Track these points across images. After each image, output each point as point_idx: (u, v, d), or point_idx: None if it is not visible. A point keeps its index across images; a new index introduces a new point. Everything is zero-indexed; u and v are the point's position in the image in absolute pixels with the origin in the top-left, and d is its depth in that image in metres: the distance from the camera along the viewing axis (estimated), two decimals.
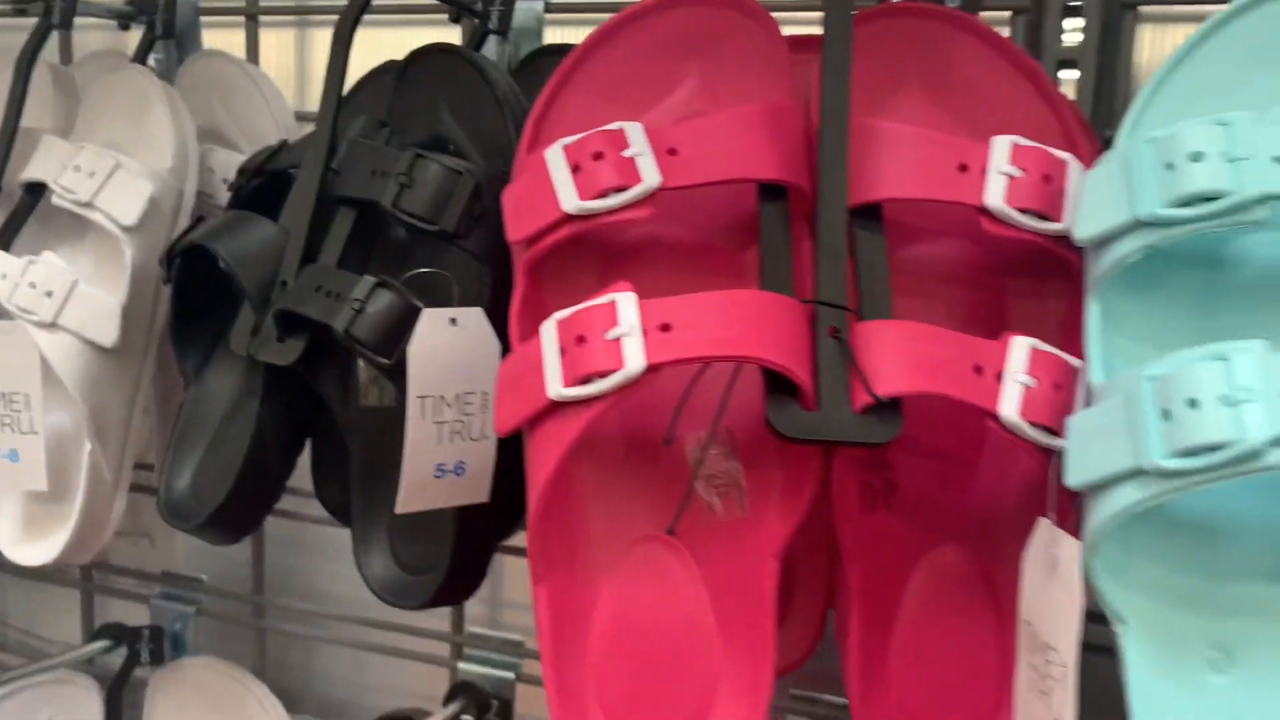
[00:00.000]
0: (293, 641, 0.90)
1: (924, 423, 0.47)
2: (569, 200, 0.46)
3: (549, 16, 0.74)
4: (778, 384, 0.43)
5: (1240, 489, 0.41)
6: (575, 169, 0.46)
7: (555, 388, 0.43)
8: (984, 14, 0.67)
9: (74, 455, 0.71)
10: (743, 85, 0.50)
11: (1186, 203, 0.40)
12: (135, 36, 0.80)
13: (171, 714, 0.86)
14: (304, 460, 0.67)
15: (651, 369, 0.42)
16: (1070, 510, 0.42)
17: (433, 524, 0.59)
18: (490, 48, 0.74)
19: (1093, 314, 0.43)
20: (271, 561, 0.89)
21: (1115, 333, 0.44)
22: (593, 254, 0.49)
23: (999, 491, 0.50)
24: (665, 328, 0.43)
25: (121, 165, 0.69)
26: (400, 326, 0.56)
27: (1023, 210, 0.46)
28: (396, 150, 0.58)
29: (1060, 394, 0.44)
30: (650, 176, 0.46)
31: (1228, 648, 0.41)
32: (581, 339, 0.43)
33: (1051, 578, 0.43)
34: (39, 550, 0.71)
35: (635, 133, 0.46)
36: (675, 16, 0.51)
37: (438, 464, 0.57)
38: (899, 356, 0.44)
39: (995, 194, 0.46)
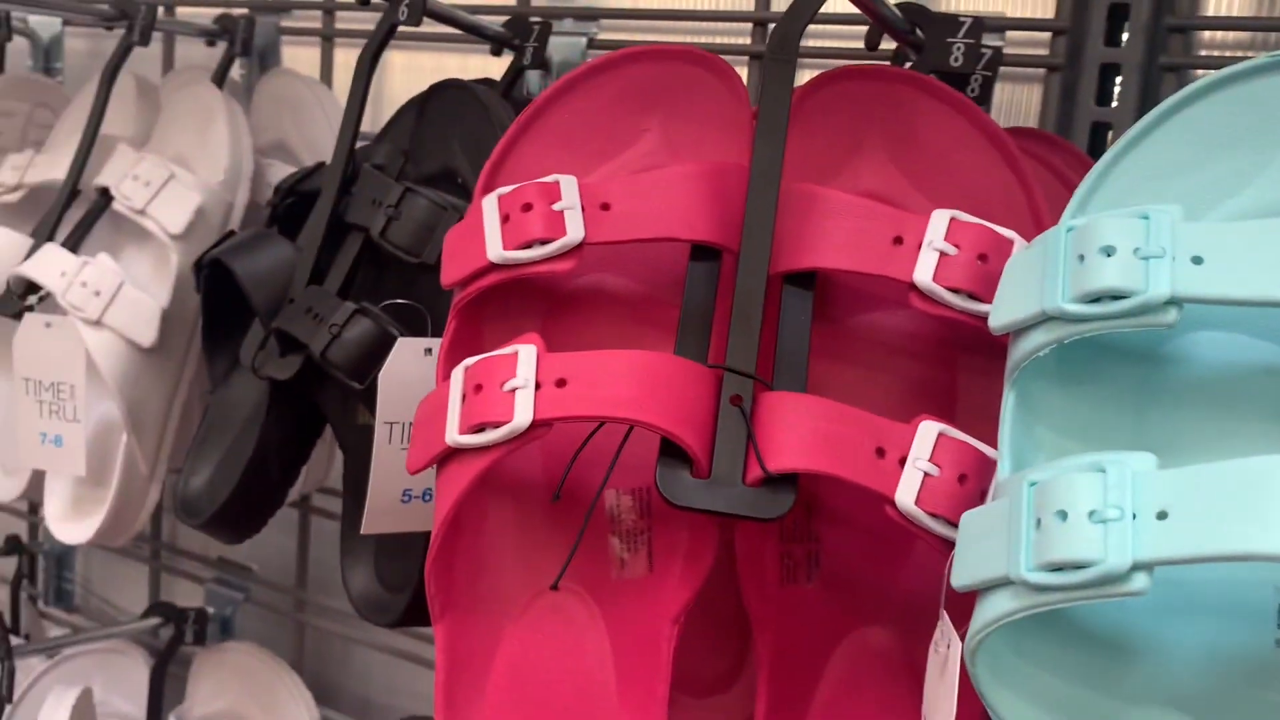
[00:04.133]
0: (332, 638, 0.94)
1: (857, 497, 0.46)
2: (494, 249, 0.46)
3: (591, 52, 0.75)
4: (671, 449, 0.43)
5: (1153, 606, 0.39)
6: (505, 219, 0.47)
7: (452, 434, 0.44)
8: (1015, 69, 0.65)
9: (113, 446, 0.75)
10: (701, 142, 0.50)
11: (1095, 299, 0.38)
12: None
13: (209, 692, 0.91)
14: None
15: (539, 424, 0.42)
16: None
17: (418, 543, 0.60)
18: (534, 80, 0.75)
19: (1007, 404, 0.41)
20: (321, 559, 0.93)
21: (1038, 424, 0.42)
22: (538, 298, 0.50)
23: (932, 574, 0.48)
24: (561, 383, 0.43)
25: (175, 176, 0.73)
26: (375, 352, 0.57)
27: (953, 289, 0.44)
28: (392, 181, 0.60)
29: (966, 485, 0.42)
30: (574, 231, 0.46)
31: None
32: (479, 388, 0.43)
33: (942, 677, 0.41)
34: (78, 529, 0.76)
35: (568, 186, 0.47)
36: (640, 70, 0.51)
37: (404, 489, 0.58)
38: (797, 431, 0.43)
39: (925, 270, 0.44)
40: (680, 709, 0.54)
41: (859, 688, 0.48)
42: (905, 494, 0.42)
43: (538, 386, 0.43)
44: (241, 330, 0.70)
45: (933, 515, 0.41)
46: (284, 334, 0.62)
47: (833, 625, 0.48)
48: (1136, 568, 0.33)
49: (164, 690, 0.91)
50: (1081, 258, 0.38)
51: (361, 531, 0.58)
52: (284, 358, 0.63)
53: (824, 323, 0.49)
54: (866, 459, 0.42)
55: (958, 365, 0.49)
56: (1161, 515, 0.33)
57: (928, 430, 0.43)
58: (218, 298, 0.69)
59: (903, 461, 0.42)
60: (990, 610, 0.36)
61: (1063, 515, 0.34)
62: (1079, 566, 0.34)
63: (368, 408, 0.60)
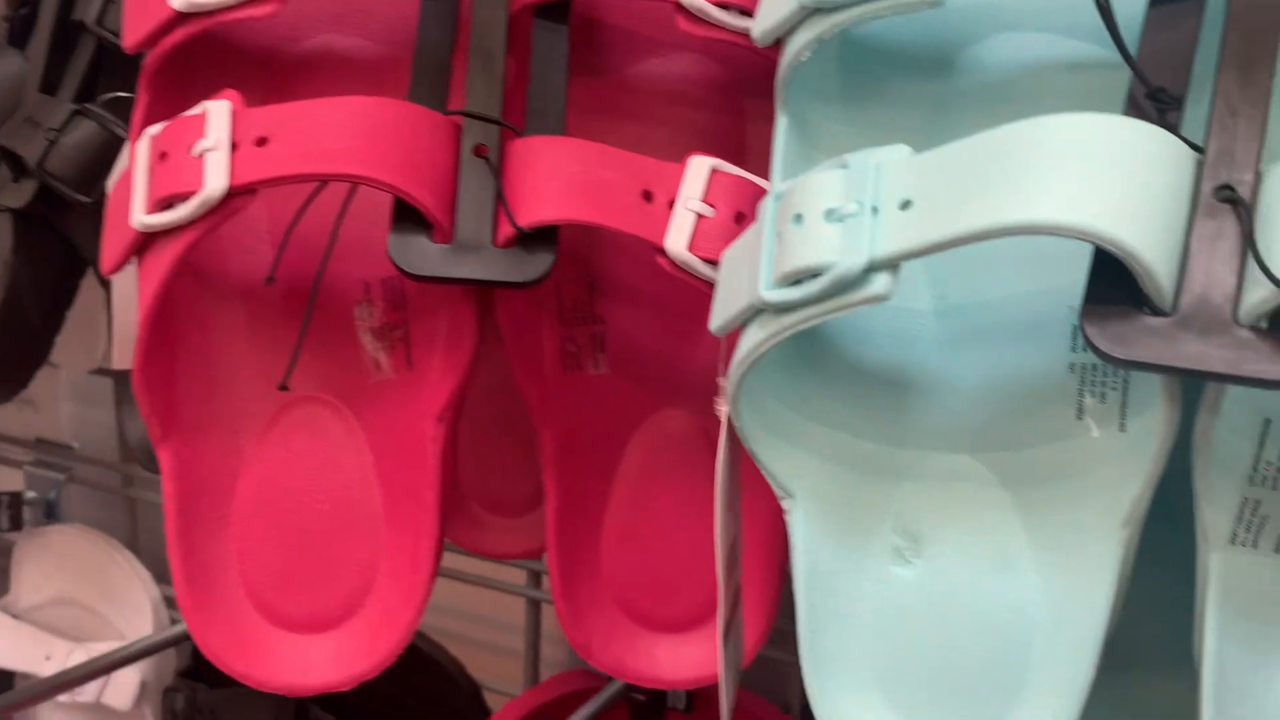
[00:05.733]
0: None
1: (643, 270, 0.39)
2: None
3: None
4: (407, 212, 0.36)
5: (940, 338, 0.33)
6: None
7: (138, 214, 0.36)
8: None
9: None
10: None
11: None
12: None
13: (35, 581, 0.84)
14: None
15: (238, 190, 0.35)
16: None
17: None
18: None
19: (779, 128, 0.35)
20: None
21: (816, 150, 0.35)
22: (254, 68, 0.42)
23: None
24: (262, 141, 0.36)
25: None
26: (101, 159, 0.49)
27: (720, 4, 0.37)
28: None
29: (744, 225, 0.36)
30: None
31: (915, 534, 0.34)
32: (164, 156, 0.36)
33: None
34: None
35: None
36: None
37: None
38: (551, 179, 0.36)
39: None
40: (494, 530, 0.49)
41: (659, 476, 0.43)
42: (676, 239, 0.36)
43: (234, 147, 0.36)
44: None
45: (709, 262, 0.35)
46: (7, 154, 0.53)
47: (626, 412, 0.43)
48: (874, 267, 0.27)
49: None
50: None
51: (113, 366, 0.51)
52: (17, 183, 0.54)
53: (593, 75, 0.42)
54: (632, 204, 0.36)
55: (745, 113, 0.42)
56: (905, 205, 0.27)
57: (699, 167, 0.36)
58: None
59: (673, 204, 0.36)
60: (741, 349, 0.31)
61: (799, 220, 0.28)
62: (816, 275, 0.28)
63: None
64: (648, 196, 0.36)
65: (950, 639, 0.32)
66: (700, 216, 0.36)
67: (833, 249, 0.27)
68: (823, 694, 0.33)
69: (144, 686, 0.79)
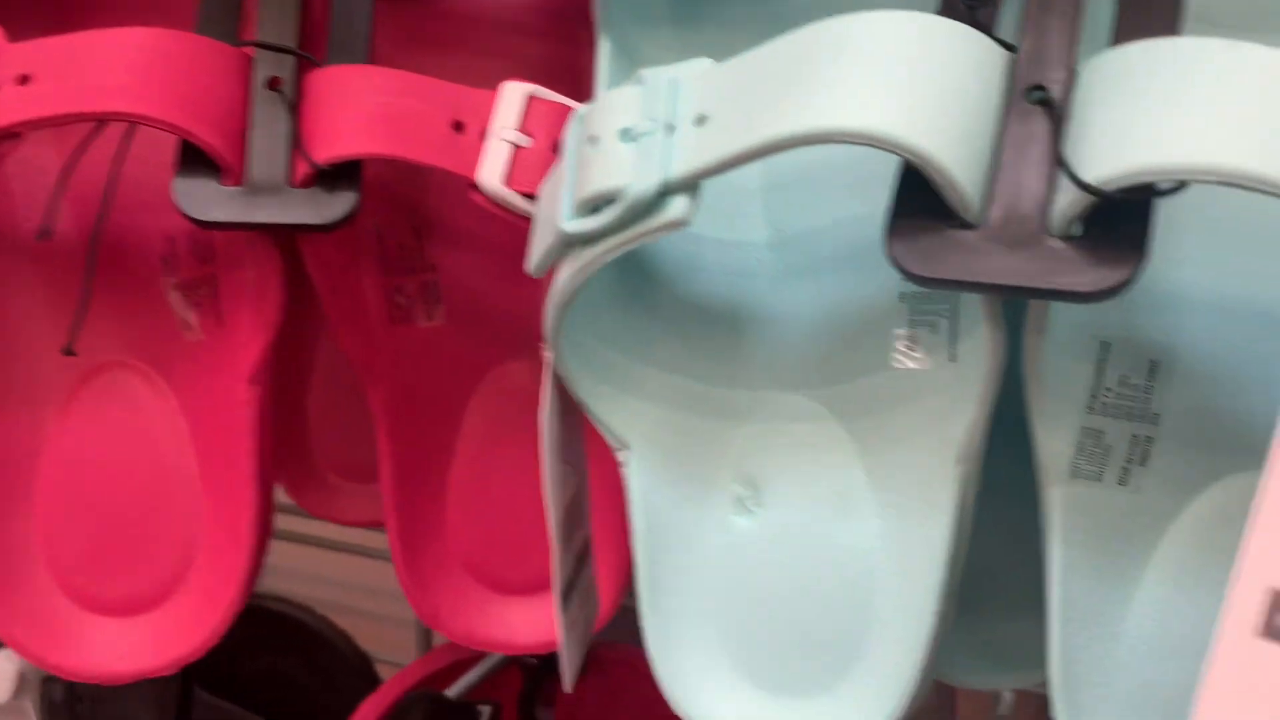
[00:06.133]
0: None
1: (474, 208, 0.36)
2: None
3: None
4: (192, 154, 0.33)
5: (772, 271, 0.31)
6: None
7: None
8: None
9: None
10: None
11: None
12: None
13: None
14: None
15: None
16: None
17: None
18: None
19: (602, 53, 0.32)
20: None
21: None
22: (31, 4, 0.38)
23: None
24: (24, 79, 0.32)
25: None
26: None
27: None
28: None
29: None
30: None
31: (756, 481, 0.31)
32: None
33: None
34: None
35: None
36: None
37: None
38: (351, 110, 0.33)
39: None
40: (349, 496, 0.46)
41: (506, 433, 0.40)
42: (490, 172, 0.33)
43: None
44: None
45: (529, 196, 0.33)
46: None
47: (465, 366, 0.40)
48: (669, 189, 0.24)
49: None
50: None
51: None
52: None
53: (412, 4, 0.39)
54: (440, 135, 0.33)
55: (583, 43, 0.39)
56: (701, 121, 0.24)
57: (513, 93, 0.33)
58: None
59: (485, 134, 0.33)
60: (553, 288, 0.28)
61: (595, 142, 0.26)
62: (612, 200, 0.25)
63: None
64: (458, 127, 0.33)
65: (794, 592, 0.30)
66: (516, 147, 0.33)
67: (626, 171, 0.25)
68: (666, 657, 0.31)
69: (22, 678, 0.76)
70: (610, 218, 0.25)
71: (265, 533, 0.38)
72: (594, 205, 0.26)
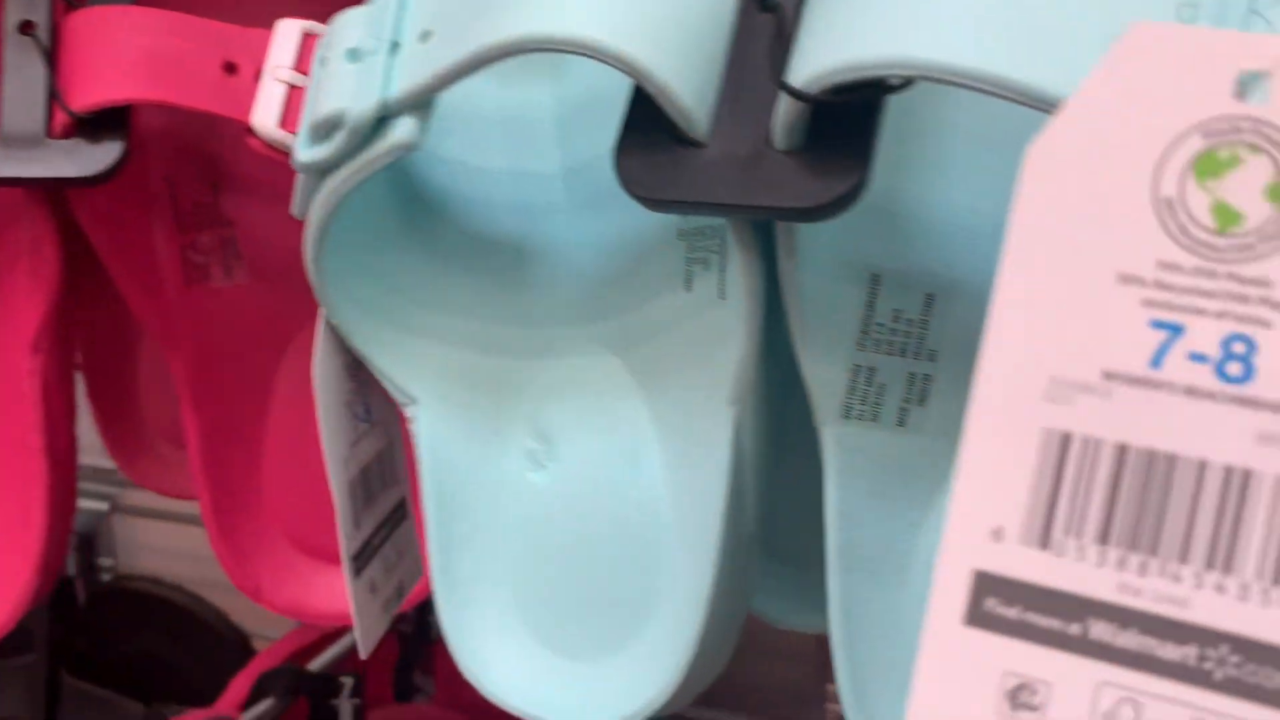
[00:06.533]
0: None
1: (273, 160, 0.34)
2: None
3: None
4: None
5: (561, 203, 0.29)
6: None
7: None
8: None
9: None
10: None
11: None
12: None
13: None
14: None
15: None
16: None
17: None
18: None
19: None
20: None
21: None
22: None
23: None
24: None
25: None
26: None
27: None
28: None
29: None
30: None
31: (548, 433, 0.30)
32: None
33: None
34: None
35: None
36: None
37: None
38: (111, 53, 0.31)
39: None
40: (179, 465, 0.44)
41: None
42: (264, 115, 0.31)
43: None
44: None
45: None
46: None
47: (274, 325, 0.38)
48: (389, 110, 0.23)
49: None
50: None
51: None
52: None
53: None
54: (211, 77, 0.31)
55: None
56: (425, 36, 0.23)
57: (288, 31, 0.31)
58: None
59: (260, 75, 0.31)
60: (305, 231, 0.27)
61: (324, 64, 0.24)
62: (339, 125, 0.24)
63: None
64: (231, 68, 0.31)
65: (585, 550, 0.29)
66: (292, 88, 0.31)
67: (347, 93, 0.23)
68: (458, 624, 0.30)
69: None
70: (338, 144, 0.23)
71: (64, 509, 0.36)
72: (325, 132, 0.24)
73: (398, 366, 0.29)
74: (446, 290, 0.30)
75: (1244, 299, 0.15)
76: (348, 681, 0.54)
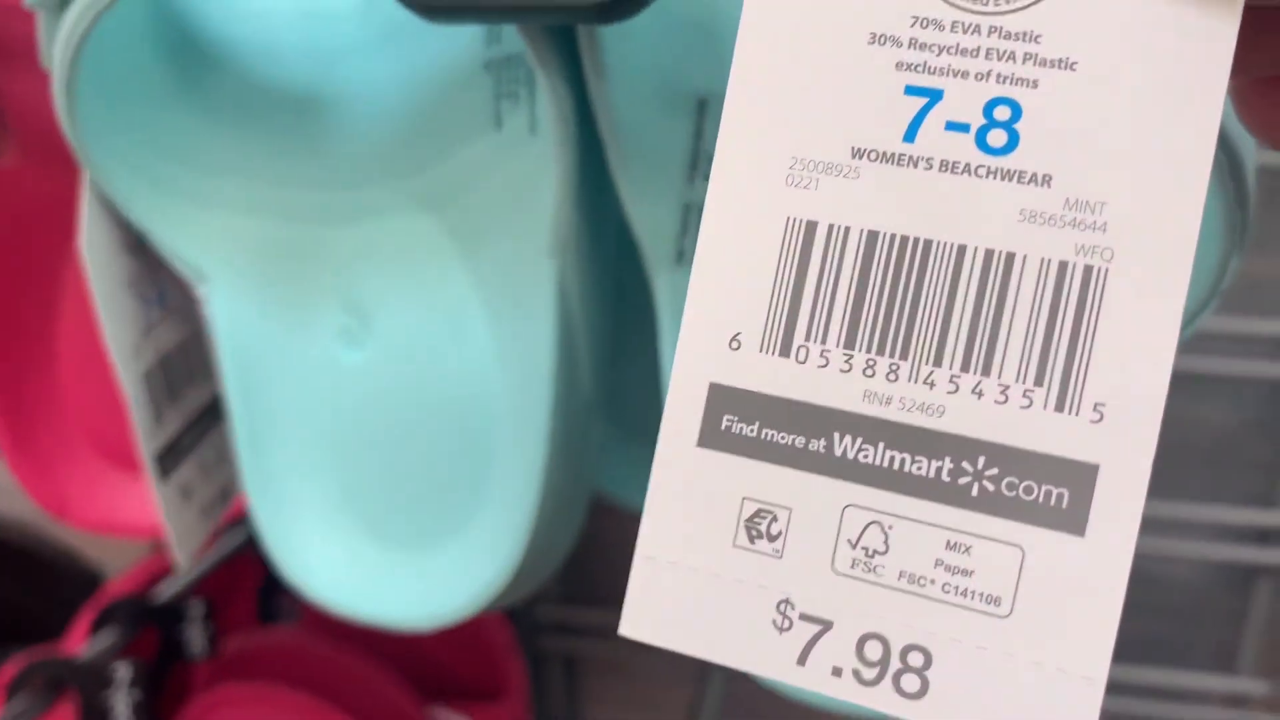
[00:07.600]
0: None
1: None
2: None
3: None
4: None
5: (353, 46, 0.26)
6: None
7: None
8: None
9: None
10: None
11: None
12: None
13: None
14: None
15: None
16: None
17: None
18: None
19: None
20: None
21: None
22: None
23: None
24: None
25: None
26: None
27: None
28: None
29: None
30: None
31: (362, 307, 0.27)
32: None
33: None
34: None
35: None
36: None
37: None
38: None
39: None
40: None
41: None
42: None
43: None
44: None
45: None
46: None
47: (55, 208, 0.33)
48: None
49: None
50: None
51: None
52: None
53: None
54: None
55: None
56: None
57: None
58: None
59: None
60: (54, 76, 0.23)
61: None
62: None
63: None
64: None
65: (410, 433, 0.26)
66: None
67: None
68: (275, 524, 0.27)
69: None
70: None
71: None
72: None
73: (183, 239, 0.26)
74: (232, 151, 0.26)
75: (1010, 57, 0.12)
76: (198, 606, 0.51)
